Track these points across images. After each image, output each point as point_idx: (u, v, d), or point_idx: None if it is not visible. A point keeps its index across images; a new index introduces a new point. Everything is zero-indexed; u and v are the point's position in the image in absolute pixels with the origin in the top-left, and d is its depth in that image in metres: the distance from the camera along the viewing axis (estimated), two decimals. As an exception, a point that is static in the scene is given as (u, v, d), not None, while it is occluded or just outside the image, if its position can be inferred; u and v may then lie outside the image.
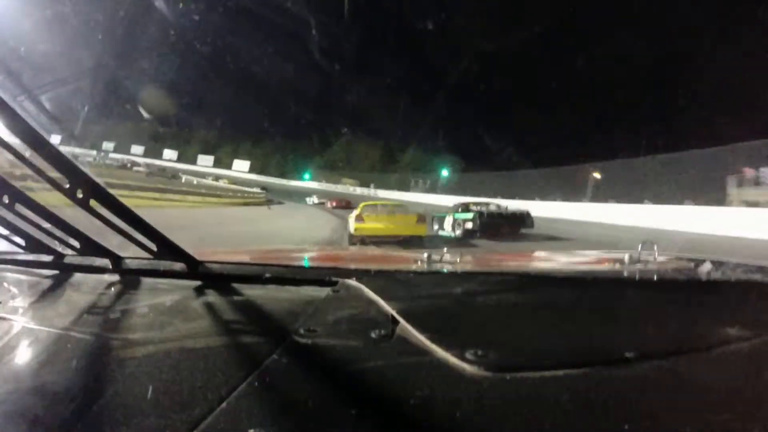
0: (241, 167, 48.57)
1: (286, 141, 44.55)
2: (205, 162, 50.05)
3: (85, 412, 0.38)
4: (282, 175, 43.92)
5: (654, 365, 0.44)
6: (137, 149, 50.52)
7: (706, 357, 0.47)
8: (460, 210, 10.08)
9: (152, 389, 0.41)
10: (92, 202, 0.59)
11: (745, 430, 0.35)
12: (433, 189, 30.73)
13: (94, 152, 41.96)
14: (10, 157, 0.55)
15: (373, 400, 0.38)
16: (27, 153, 0.55)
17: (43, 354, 0.52)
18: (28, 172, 0.56)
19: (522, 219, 9.64)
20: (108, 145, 47.72)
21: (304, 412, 0.36)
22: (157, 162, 47.45)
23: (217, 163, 49.66)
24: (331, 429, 0.35)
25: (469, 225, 9.21)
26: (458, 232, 9.47)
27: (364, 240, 7.18)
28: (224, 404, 0.37)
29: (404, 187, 31.76)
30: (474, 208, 9.92)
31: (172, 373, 0.44)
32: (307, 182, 40.37)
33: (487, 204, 10.96)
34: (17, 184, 0.63)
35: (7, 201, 0.64)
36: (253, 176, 44.54)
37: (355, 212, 8.01)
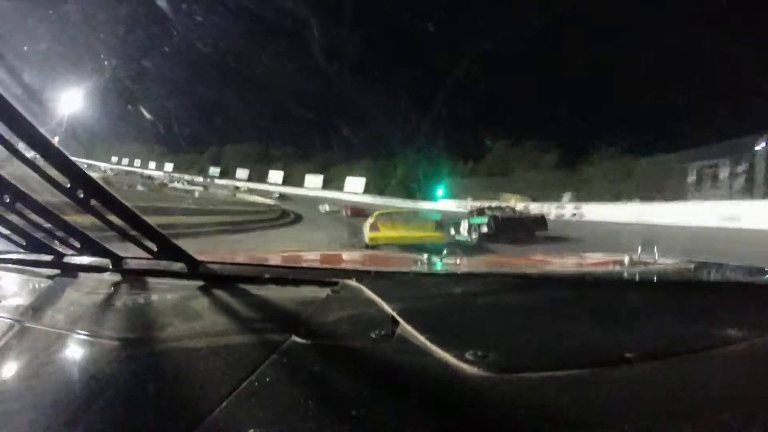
0: (354, 186, 37.88)
1: (415, 152, 30.60)
2: (313, 183, 40.80)
3: (86, 412, 0.38)
4: (409, 195, 31.14)
5: (653, 366, 0.44)
6: (242, 173, 44.43)
7: (705, 358, 0.47)
8: (475, 214, 10.12)
9: (152, 389, 0.41)
10: (93, 202, 0.59)
11: (745, 430, 0.35)
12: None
13: (201, 178, 40.73)
14: (11, 156, 0.55)
15: (373, 401, 0.38)
16: (28, 153, 0.55)
17: (43, 354, 0.52)
18: (29, 171, 0.57)
19: (537, 222, 9.64)
20: (214, 171, 44.31)
21: (304, 412, 0.36)
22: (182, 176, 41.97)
23: (327, 184, 39.75)
24: (331, 429, 0.35)
25: (485, 229, 9.19)
26: (474, 236, 9.46)
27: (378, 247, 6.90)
28: (224, 404, 0.37)
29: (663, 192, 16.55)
30: (489, 212, 9.95)
31: (172, 373, 0.44)
32: (443, 202, 27.37)
33: (502, 208, 10.98)
34: (17, 184, 0.63)
35: (7, 201, 0.64)
36: (368, 198, 33.05)
37: (369, 220, 7.75)
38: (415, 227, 7.54)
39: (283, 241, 10.74)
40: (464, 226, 10.10)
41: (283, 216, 18.25)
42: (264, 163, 45.53)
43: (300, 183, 41.69)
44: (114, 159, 46.56)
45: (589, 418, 0.36)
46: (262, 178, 43.65)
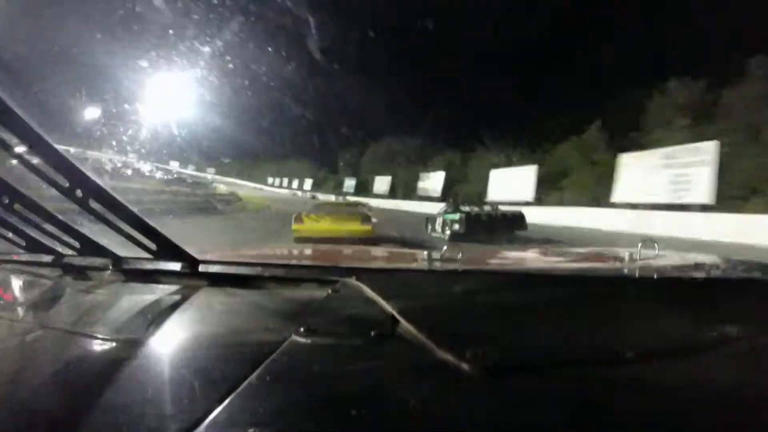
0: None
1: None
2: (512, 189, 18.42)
3: (85, 413, 0.38)
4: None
5: (654, 365, 0.44)
6: (382, 183, 30.55)
7: (706, 356, 0.47)
8: (450, 210, 9.72)
9: (152, 389, 0.41)
10: (92, 202, 0.59)
11: (745, 429, 0.35)
12: None
13: (333, 197, 28.54)
14: (10, 157, 0.55)
15: (373, 400, 0.38)
16: (27, 153, 0.55)
17: (43, 354, 0.52)
18: (28, 172, 0.56)
19: (514, 221, 9.21)
20: (349, 184, 33.38)
21: (304, 412, 0.36)
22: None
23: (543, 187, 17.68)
24: (331, 429, 0.35)
25: (456, 226, 8.81)
26: (447, 233, 9.10)
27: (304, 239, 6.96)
28: (224, 404, 0.37)
29: None
30: (464, 208, 9.51)
31: (172, 373, 0.44)
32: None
33: (481, 204, 10.62)
34: (17, 184, 0.63)
35: (7, 201, 0.64)
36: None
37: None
38: (341, 220, 7.51)
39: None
40: (439, 222, 9.74)
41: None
42: (420, 164, 27.77)
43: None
44: (270, 180, 43.93)
45: (589, 417, 0.36)
46: (410, 189, 26.90)
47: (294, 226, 7.30)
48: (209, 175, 39.28)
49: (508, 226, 9.11)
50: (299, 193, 37.73)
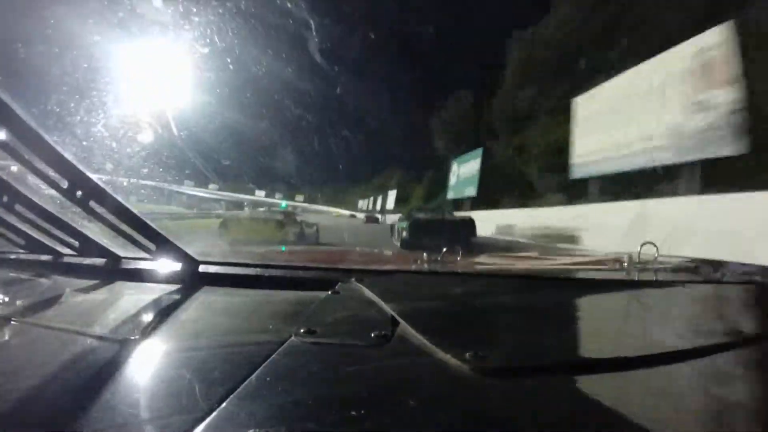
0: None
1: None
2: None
3: (84, 413, 0.38)
4: None
5: (654, 366, 0.44)
6: None
7: (707, 358, 0.47)
8: (404, 217, 9.51)
9: (151, 389, 0.41)
10: (91, 202, 0.59)
11: (746, 430, 0.35)
12: None
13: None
14: (9, 157, 0.55)
15: (373, 401, 0.38)
16: (26, 153, 0.55)
17: (42, 354, 0.52)
18: (28, 171, 0.56)
19: (463, 227, 8.75)
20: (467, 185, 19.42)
21: (304, 413, 0.36)
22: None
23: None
24: (331, 429, 0.34)
25: (404, 233, 8.50)
26: (398, 241, 8.91)
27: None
28: (224, 404, 0.37)
29: None
30: (417, 215, 9.20)
31: (171, 373, 0.44)
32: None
33: (434, 210, 10.33)
34: (17, 184, 0.63)
35: (5, 201, 0.64)
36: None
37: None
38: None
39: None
40: (396, 230, 9.56)
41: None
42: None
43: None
44: (360, 204, 42.20)
45: (589, 419, 0.36)
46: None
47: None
48: (296, 203, 39.14)
49: (457, 232, 8.55)
50: (359, 215, 33.50)
